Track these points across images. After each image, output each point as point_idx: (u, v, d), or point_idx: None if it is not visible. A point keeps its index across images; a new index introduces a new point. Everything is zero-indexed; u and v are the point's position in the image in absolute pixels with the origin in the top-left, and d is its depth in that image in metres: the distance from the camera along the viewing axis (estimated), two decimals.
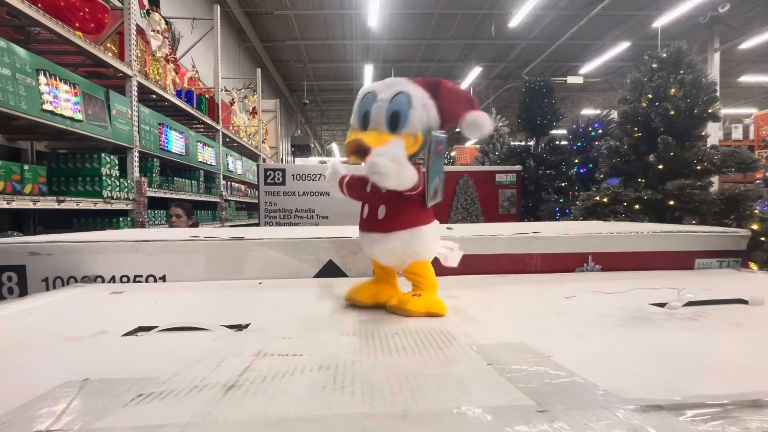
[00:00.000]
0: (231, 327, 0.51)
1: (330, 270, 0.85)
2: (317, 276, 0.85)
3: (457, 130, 0.61)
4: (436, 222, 0.63)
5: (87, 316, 0.59)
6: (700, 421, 0.26)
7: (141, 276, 0.82)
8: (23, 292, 0.78)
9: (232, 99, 6.58)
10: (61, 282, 0.79)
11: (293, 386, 0.32)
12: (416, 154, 0.58)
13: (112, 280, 0.81)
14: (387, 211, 0.59)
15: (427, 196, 0.58)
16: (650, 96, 3.14)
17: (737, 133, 9.75)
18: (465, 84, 11.73)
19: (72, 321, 0.56)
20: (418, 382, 0.33)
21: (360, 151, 0.55)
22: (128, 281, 0.81)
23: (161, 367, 0.37)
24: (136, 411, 0.28)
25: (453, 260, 0.66)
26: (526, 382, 0.33)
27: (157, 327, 0.52)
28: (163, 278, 0.82)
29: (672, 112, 2.99)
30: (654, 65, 3.23)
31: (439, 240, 0.64)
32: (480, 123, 0.57)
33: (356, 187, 0.63)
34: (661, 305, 0.61)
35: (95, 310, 0.62)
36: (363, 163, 0.54)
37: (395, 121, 0.57)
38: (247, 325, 0.52)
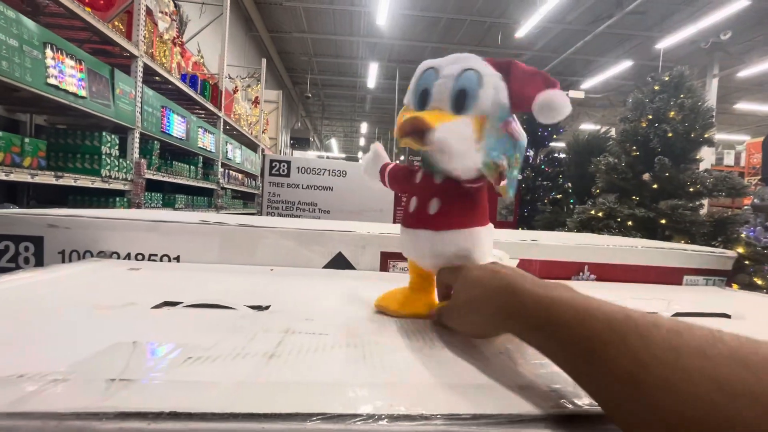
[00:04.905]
0: (252, 307, 0.54)
1: (339, 262, 0.88)
2: (326, 267, 0.88)
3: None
4: (491, 225, 0.53)
5: (111, 288, 0.61)
6: None
7: (156, 255, 0.84)
8: (39, 263, 0.80)
9: (236, 87, 6.55)
10: (77, 255, 0.81)
11: (326, 358, 0.36)
12: (479, 140, 0.47)
13: (128, 257, 0.83)
14: (441, 205, 0.50)
15: (506, 176, 0.47)
16: (650, 117, 3.22)
17: (729, 159, 9.97)
18: None
19: (99, 292, 0.59)
20: (440, 362, 0.37)
21: (416, 132, 0.45)
22: (143, 259, 0.84)
23: (199, 337, 0.40)
24: (192, 370, 0.31)
25: None
26: (536, 369, 0.37)
27: (182, 303, 0.54)
28: (177, 258, 0.85)
29: (670, 134, 3.07)
30: (656, 87, 3.32)
31: (492, 247, 0.54)
32: (554, 104, 0.43)
33: (401, 177, 0.55)
34: (651, 314, 0.65)
35: (118, 283, 0.65)
36: (423, 147, 0.45)
37: (461, 101, 0.47)
38: (267, 307, 0.55)
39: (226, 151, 5.58)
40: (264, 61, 7.74)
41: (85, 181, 2.72)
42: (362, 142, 22.03)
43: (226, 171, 5.88)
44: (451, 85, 0.48)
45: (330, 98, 16.70)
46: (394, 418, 0.26)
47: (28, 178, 2.33)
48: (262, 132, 7.92)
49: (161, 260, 0.84)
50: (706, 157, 7.99)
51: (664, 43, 8.30)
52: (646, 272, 0.98)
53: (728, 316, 0.68)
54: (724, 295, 0.90)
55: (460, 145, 0.45)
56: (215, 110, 4.97)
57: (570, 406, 0.29)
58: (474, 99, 0.48)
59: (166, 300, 0.55)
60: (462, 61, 0.50)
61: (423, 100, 0.49)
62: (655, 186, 3.24)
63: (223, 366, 0.32)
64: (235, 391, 0.28)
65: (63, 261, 0.81)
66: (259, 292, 0.64)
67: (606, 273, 0.97)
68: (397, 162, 0.56)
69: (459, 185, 0.51)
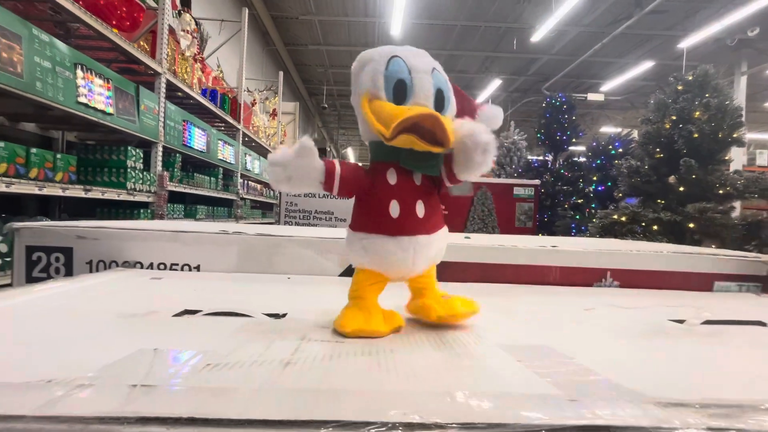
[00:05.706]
0: (270, 315, 0.55)
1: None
2: (342, 275, 0.88)
3: None
4: None
5: (135, 297, 0.63)
6: (719, 417, 0.28)
7: (177, 264, 0.86)
8: (69, 273, 0.83)
9: (254, 100, 6.71)
10: (103, 265, 0.84)
11: (342, 366, 0.36)
12: None
13: (151, 266, 0.86)
14: (426, 208, 0.48)
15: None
16: (674, 118, 3.12)
17: (762, 159, 9.51)
18: (484, 96, 11.76)
19: (122, 300, 0.61)
20: (456, 370, 0.36)
21: (421, 131, 0.43)
22: (165, 269, 0.86)
23: (217, 345, 0.40)
24: (211, 376, 0.32)
25: None
26: (555, 377, 0.36)
27: (201, 311, 0.56)
28: (198, 268, 0.87)
29: (696, 135, 2.97)
30: (679, 87, 3.22)
31: None
32: (498, 114, 0.50)
33: (358, 179, 0.48)
34: (680, 321, 0.62)
35: (141, 292, 0.67)
36: (432, 148, 0.44)
37: (440, 101, 0.47)
38: (284, 315, 0.56)
39: (245, 163, 5.71)
40: (281, 73, 7.94)
41: (111, 194, 2.83)
42: None
43: (246, 182, 6.01)
44: (432, 82, 0.46)
45: (346, 108, 16.92)
46: (408, 426, 0.26)
47: (59, 192, 2.45)
48: (280, 143, 8.08)
49: (182, 269, 0.86)
50: (737, 158, 7.66)
51: (688, 42, 8.05)
52: (674, 278, 0.95)
53: (763, 324, 0.64)
54: (758, 303, 0.86)
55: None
56: (234, 123, 5.10)
57: (589, 416, 0.28)
58: (449, 101, 0.48)
59: (187, 308, 0.57)
60: (422, 55, 0.49)
61: (399, 92, 0.46)
62: (681, 188, 3.12)
63: (240, 373, 0.33)
64: (251, 397, 0.29)
65: (90, 271, 0.84)
66: (276, 300, 0.65)
67: (630, 279, 0.94)
68: (339, 161, 0.49)
69: (434, 186, 0.50)
